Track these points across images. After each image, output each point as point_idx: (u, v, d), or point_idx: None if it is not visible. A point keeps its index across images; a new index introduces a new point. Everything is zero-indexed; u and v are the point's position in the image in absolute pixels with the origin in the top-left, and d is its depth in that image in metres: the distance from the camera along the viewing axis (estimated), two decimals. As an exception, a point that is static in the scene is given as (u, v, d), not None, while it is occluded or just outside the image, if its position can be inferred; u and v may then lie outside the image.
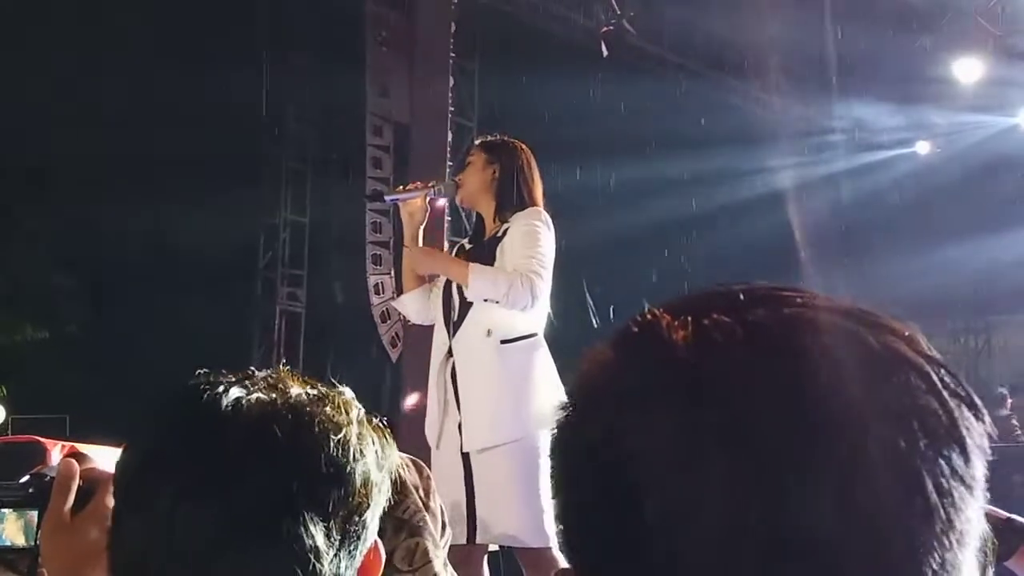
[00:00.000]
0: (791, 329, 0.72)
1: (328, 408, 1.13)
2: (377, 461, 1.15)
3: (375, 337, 13.15)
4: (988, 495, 0.74)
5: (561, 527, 0.78)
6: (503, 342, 4.23)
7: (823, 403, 0.69)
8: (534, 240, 4.20)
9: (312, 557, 1.07)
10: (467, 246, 4.55)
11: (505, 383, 4.22)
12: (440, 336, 4.38)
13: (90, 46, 11.58)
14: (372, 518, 1.14)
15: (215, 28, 12.49)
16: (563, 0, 12.62)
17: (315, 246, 14.62)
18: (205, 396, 1.11)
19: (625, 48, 12.19)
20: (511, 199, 4.34)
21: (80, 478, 1.45)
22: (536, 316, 4.26)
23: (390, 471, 1.19)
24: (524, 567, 4.18)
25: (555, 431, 0.79)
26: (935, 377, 0.71)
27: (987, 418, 0.73)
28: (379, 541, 1.16)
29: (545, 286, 4.21)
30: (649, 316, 0.76)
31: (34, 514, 1.49)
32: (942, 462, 0.69)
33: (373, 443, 1.16)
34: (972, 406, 0.72)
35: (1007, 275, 13.27)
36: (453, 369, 4.28)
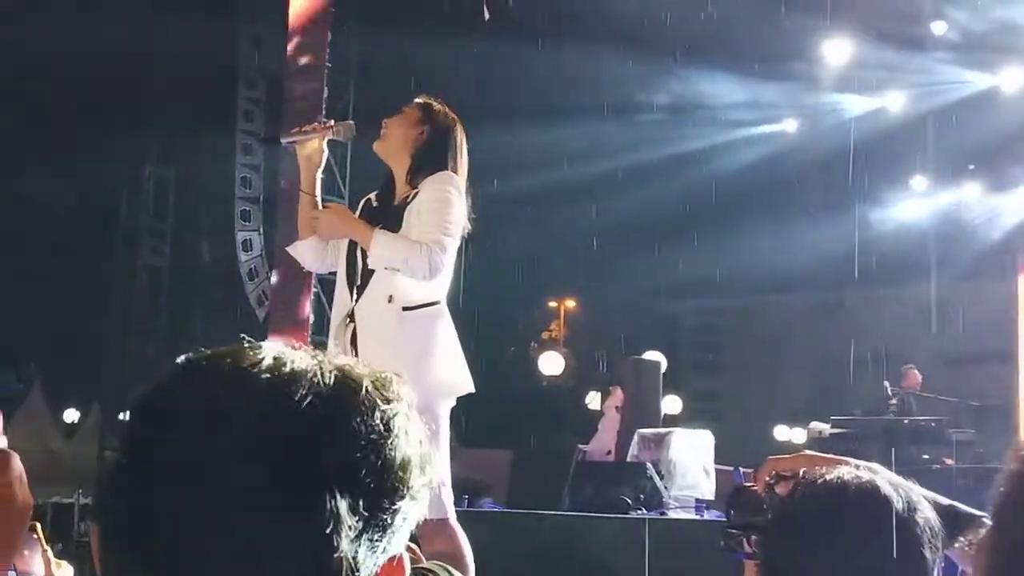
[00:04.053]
0: None
1: (380, 387, 1.01)
2: (420, 452, 1.03)
3: (241, 295, 12.87)
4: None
5: None
6: (405, 309, 4.15)
7: None
8: (445, 208, 4.12)
9: (333, 524, 0.94)
10: (374, 202, 4.43)
11: (405, 351, 4.14)
12: (342, 298, 4.28)
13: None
14: (403, 514, 1.01)
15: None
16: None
17: (180, 199, 14.20)
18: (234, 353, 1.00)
19: (505, 14, 12.12)
20: (429, 164, 4.24)
21: None
22: (439, 284, 4.18)
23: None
24: (420, 537, 4.12)
25: None
26: None
27: None
28: (405, 557, 1.03)
29: (448, 257, 4.13)
30: None
31: None
32: None
33: (420, 433, 1.04)
34: None
35: (863, 252, 13.69)
36: (354, 333, 4.19)
